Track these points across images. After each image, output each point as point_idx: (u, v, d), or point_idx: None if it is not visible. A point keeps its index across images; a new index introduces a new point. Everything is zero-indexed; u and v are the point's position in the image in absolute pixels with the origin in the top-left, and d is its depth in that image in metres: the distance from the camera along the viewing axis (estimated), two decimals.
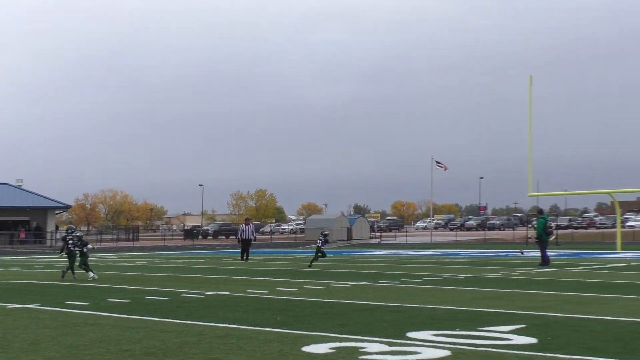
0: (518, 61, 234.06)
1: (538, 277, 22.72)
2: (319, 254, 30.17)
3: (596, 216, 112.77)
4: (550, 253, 39.39)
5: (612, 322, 12.38)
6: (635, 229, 78.96)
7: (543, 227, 28.85)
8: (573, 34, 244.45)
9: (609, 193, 52.04)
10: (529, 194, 50.32)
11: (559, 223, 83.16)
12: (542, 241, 28.85)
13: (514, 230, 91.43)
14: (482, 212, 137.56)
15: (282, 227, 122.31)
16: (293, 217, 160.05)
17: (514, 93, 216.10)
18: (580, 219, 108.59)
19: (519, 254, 34.83)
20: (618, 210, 50.53)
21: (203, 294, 18.10)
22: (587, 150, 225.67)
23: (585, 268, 27.31)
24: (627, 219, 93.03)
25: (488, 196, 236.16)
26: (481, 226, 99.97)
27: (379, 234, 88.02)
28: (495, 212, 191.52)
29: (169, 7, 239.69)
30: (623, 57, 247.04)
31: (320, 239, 30.37)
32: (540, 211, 31.11)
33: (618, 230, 48.66)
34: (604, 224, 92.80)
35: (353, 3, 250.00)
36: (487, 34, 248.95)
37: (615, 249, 44.86)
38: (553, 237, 59.88)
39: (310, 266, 29.05)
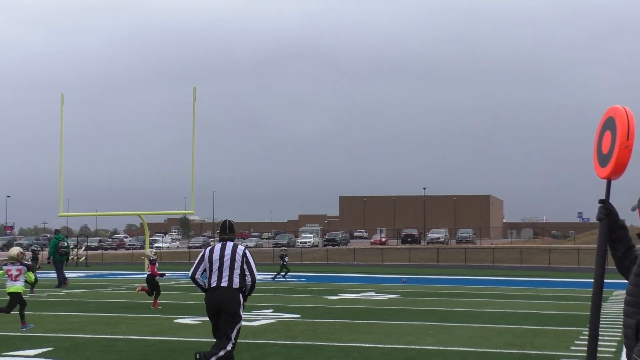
0: (51, 80, 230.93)
1: (67, 299, 22.51)
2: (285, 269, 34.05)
3: (126, 237, 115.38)
4: (79, 274, 39.33)
5: (139, 341, 12.83)
6: (162, 250, 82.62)
7: (55, 247, 29.12)
8: (109, 58, 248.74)
9: (138, 215, 53.74)
10: (59, 214, 49.58)
11: (89, 244, 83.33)
12: (56, 261, 28.99)
13: (42, 250, 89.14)
14: (9, 232, 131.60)
15: None
16: None
17: (51, 111, 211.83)
18: (110, 239, 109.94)
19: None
20: (147, 232, 52.38)
21: None
22: (118, 173, 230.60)
23: (115, 288, 27.79)
24: (155, 240, 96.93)
25: (16, 216, 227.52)
26: (7, 247, 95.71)
27: None
28: (23, 232, 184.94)
29: None
30: (154, 85, 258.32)
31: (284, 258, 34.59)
32: (57, 231, 31.22)
33: (146, 250, 50.37)
34: (134, 245, 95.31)
35: None
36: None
37: (144, 270, 46.25)
38: (83, 257, 59.94)
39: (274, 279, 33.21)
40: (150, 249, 24.60)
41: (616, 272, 4.91)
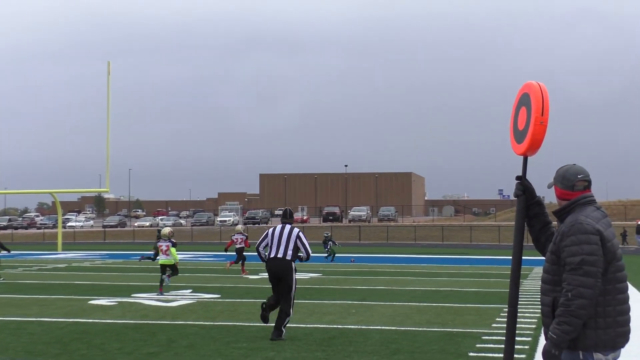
0: None
1: None
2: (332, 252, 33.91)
3: (37, 216, 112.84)
4: None
5: (52, 324, 12.60)
6: (75, 230, 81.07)
7: None
8: (22, 28, 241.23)
9: (50, 193, 52.68)
10: None
11: None
12: None
13: None
14: None
15: None
16: None
17: None
18: (20, 219, 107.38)
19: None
20: (59, 211, 51.40)
21: None
22: (29, 149, 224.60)
23: (26, 269, 27.19)
24: (68, 220, 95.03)
25: None
26: None
27: None
28: None
29: None
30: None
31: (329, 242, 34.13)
32: None
33: (59, 230, 49.53)
34: (45, 224, 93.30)
35: None
36: None
37: (56, 250, 45.52)
38: None
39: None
40: (242, 225, 27.99)
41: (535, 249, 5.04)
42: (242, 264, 24.44)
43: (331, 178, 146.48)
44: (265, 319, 11.46)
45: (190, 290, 18.56)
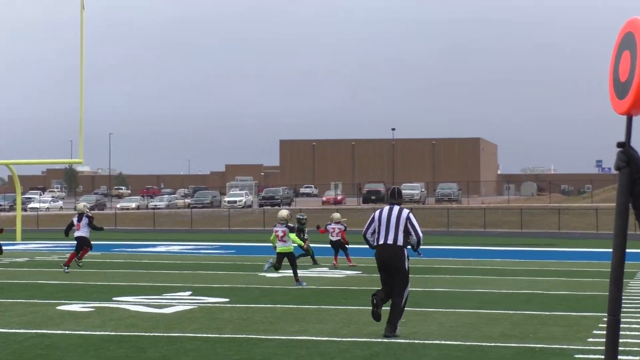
0: None
1: None
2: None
3: None
4: None
5: (9, 336, 12.74)
6: (40, 212, 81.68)
7: None
8: None
9: (7, 164, 53.12)
10: None
11: None
12: None
13: None
14: None
15: None
16: None
17: None
18: None
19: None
20: (18, 188, 51.85)
21: None
22: None
23: None
24: (30, 199, 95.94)
25: None
26: None
27: None
28: None
29: None
30: None
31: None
32: None
33: (18, 214, 49.96)
34: (0, 205, 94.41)
35: None
36: None
37: (15, 239, 45.91)
38: None
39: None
40: (338, 214, 28.64)
41: None
42: (347, 254, 26.63)
43: (373, 145, 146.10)
44: (377, 316, 12.77)
45: (190, 293, 18.66)
